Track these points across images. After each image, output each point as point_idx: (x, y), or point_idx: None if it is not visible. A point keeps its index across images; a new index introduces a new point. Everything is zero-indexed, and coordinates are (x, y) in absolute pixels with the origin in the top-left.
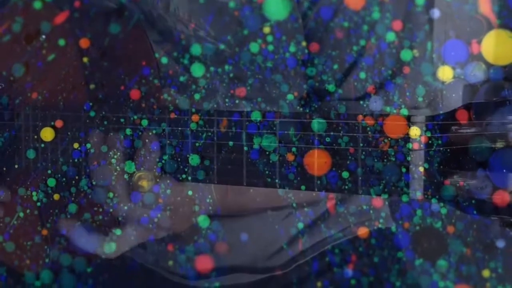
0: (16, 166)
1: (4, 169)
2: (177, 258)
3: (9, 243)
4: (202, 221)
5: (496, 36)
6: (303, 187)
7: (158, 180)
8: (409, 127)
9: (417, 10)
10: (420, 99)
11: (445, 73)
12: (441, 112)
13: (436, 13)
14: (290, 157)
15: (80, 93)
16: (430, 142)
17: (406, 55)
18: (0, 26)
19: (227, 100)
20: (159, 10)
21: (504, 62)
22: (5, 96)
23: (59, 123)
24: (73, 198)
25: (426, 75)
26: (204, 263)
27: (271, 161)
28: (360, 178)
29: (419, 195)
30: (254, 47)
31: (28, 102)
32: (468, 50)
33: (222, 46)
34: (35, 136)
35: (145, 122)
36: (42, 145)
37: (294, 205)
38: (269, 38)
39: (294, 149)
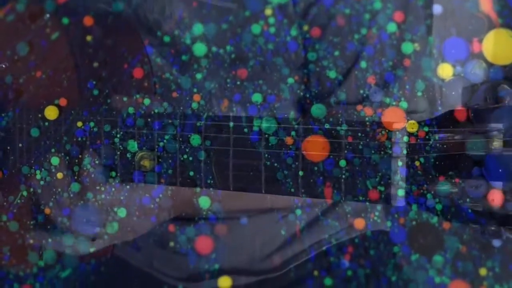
0: (20, 145)
1: (8, 148)
2: (177, 239)
3: (13, 222)
4: (203, 202)
5: (497, 35)
6: (300, 173)
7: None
8: (407, 120)
9: (418, 4)
10: (420, 93)
11: (445, 70)
12: (439, 108)
13: (437, 9)
14: (289, 141)
15: (83, 72)
16: (427, 137)
17: (407, 47)
18: (4, 5)
19: (228, 81)
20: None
21: (505, 61)
22: (10, 75)
23: (63, 102)
24: (76, 177)
25: (426, 70)
26: (204, 244)
27: (270, 144)
28: (356, 168)
29: (414, 189)
30: (255, 28)
31: (32, 80)
32: (468, 48)
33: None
34: (39, 115)
35: (147, 101)
36: (46, 124)
37: (292, 189)
38: (271, 20)
39: (293, 133)
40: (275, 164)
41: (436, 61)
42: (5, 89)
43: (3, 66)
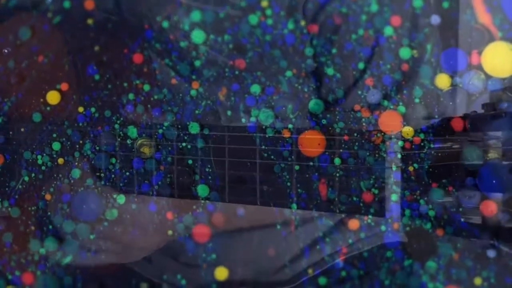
0: (22, 130)
1: (11, 133)
2: (176, 227)
3: (15, 208)
4: (201, 190)
5: (497, 48)
6: (296, 167)
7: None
8: (403, 125)
9: (415, 12)
10: (417, 100)
11: (443, 80)
12: (436, 116)
13: (436, 19)
14: (286, 133)
15: (85, 57)
16: (422, 144)
17: (405, 53)
18: None
19: (227, 70)
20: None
21: (504, 74)
22: (12, 60)
23: (64, 86)
24: (76, 163)
25: (424, 78)
26: (202, 232)
27: (267, 136)
28: (350, 168)
29: (407, 194)
30: (253, 19)
31: (35, 65)
32: (467, 60)
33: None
34: (41, 100)
35: (147, 87)
36: (48, 108)
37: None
38: (268, 12)
39: (290, 126)
40: (272, 157)
41: (434, 69)
42: (8, 74)
43: (6, 51)
